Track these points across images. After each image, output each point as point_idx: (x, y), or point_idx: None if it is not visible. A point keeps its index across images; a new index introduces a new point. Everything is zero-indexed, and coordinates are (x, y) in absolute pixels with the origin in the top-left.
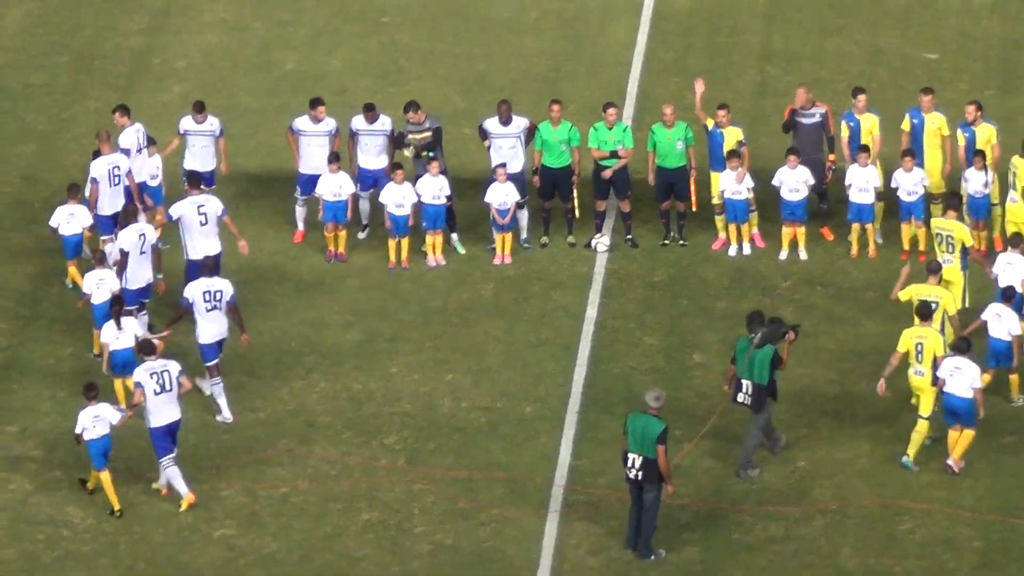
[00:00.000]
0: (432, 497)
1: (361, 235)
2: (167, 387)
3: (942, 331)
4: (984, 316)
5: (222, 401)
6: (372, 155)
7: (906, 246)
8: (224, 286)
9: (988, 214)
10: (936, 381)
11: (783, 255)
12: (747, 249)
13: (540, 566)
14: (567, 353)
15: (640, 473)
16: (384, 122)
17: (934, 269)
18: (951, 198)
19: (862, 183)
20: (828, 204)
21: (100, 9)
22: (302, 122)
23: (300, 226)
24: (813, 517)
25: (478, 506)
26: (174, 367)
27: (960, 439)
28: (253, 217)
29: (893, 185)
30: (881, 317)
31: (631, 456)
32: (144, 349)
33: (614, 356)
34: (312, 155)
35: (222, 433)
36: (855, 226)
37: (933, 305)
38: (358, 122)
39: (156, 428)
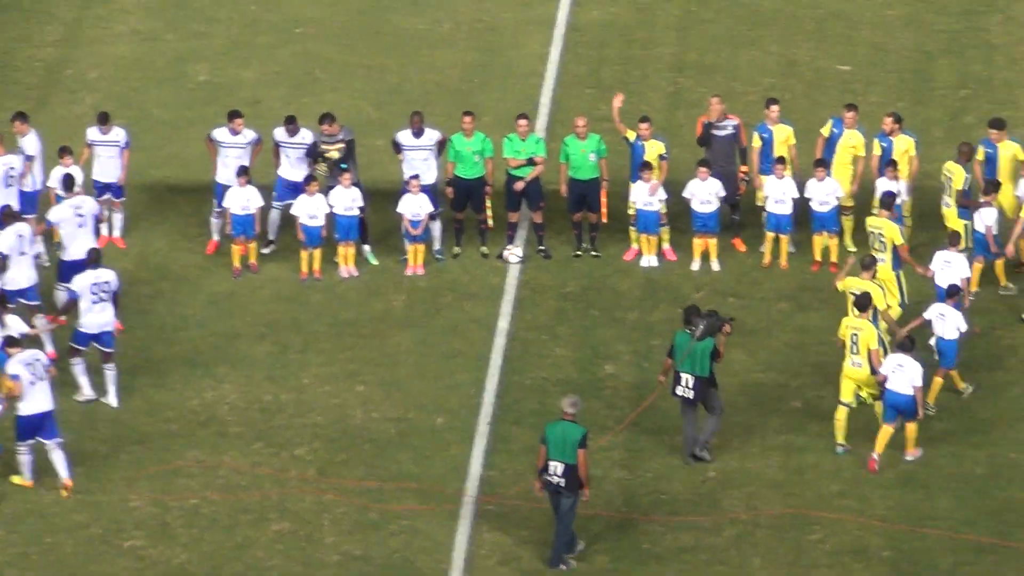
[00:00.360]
0: (342, 508)
1: (265, 251)
2: (40, 376)
3: (874, 320)
4: (927, 315)
5: (112, 388)
6: (293, 166)
7: (818, 257)
8: (110, 276)
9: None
10: (876, 374)
11: (695, 266)
12: (655, 261)
13: None
14: (479, 364)
15: (563, 480)
16: (305, 135)
17: (867, 265)
18: (885, 197)
19: (779, 195)
20: (740, 215)
21: (12, 20)
22: (220, 133)
23: (215, 236)
24: (723, 527)
25: (388, 516)
26: (43, 356)
27: (908, 432)
28: (165, 229)
29: (806, 195)
30: (791, 328)
31: (552, 464)
32: (10, 343)
33: (526, 367)
34: (229, 166)
35: (132, 444)
36: (769, 235)
37: (869, 298)
38: (279, 134)
39: (26, 416)
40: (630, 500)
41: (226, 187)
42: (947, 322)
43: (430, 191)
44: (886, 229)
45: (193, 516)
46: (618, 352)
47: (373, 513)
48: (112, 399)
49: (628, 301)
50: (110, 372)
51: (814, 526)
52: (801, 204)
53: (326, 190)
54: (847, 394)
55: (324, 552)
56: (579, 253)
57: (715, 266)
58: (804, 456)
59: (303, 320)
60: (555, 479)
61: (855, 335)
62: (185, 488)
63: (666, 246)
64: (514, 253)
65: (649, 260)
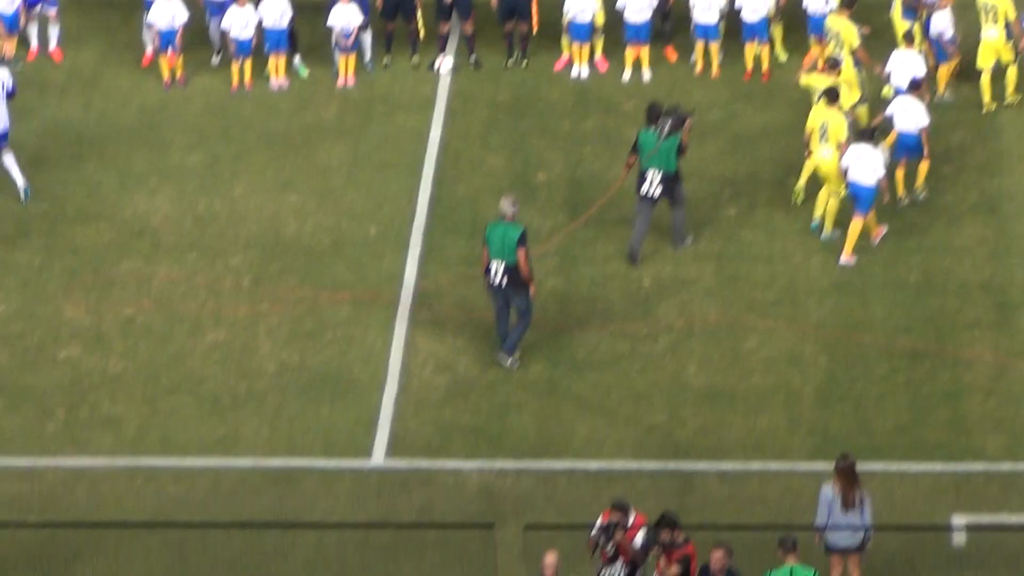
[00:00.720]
0: (277, 318)
1: (215, 59)
2: None
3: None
4: (889, 111)
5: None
6: None
7: (749, 66)
8: (4, 75)
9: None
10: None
11: (626, 76)
12: (586, 71)
13: (386, 385)
14: (411, 174)
15: (504, 279)
16: None
17: (832, 65)
18: None
19: (705, 3)
20: (671, 24)
21: None
22: None
23: (148, 50)
24: (659, 335)
25: (324, 326)
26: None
27: (850, 228)
28: (95, 44)
29: (736, 6)
30: (724, 137)
31: (493, 264)
32: None
33: (459, 177)
34: None
35: (67, 254)
36: (699, 44)
37: (838, 90)
38: None
39: None
40: (564, 310)
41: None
42: (910, 115)
43: (361, 1)
44: (844, 30)
45: (128, 326)
46: (551, 161)
47: (308, 323)
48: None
49: (560, 110)
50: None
51: (749, 333)
52: (733, 14)
53: (256, 1)
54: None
55: (260, 361)
56: (510, 63)
57: (646, 76)
58: (738, 264)
59: (234, 131)
60: (497, 279)
61: (824, 125)
62: (120, 299)
63: (599, 56)
64: (445, 63)
65: (580, 70)
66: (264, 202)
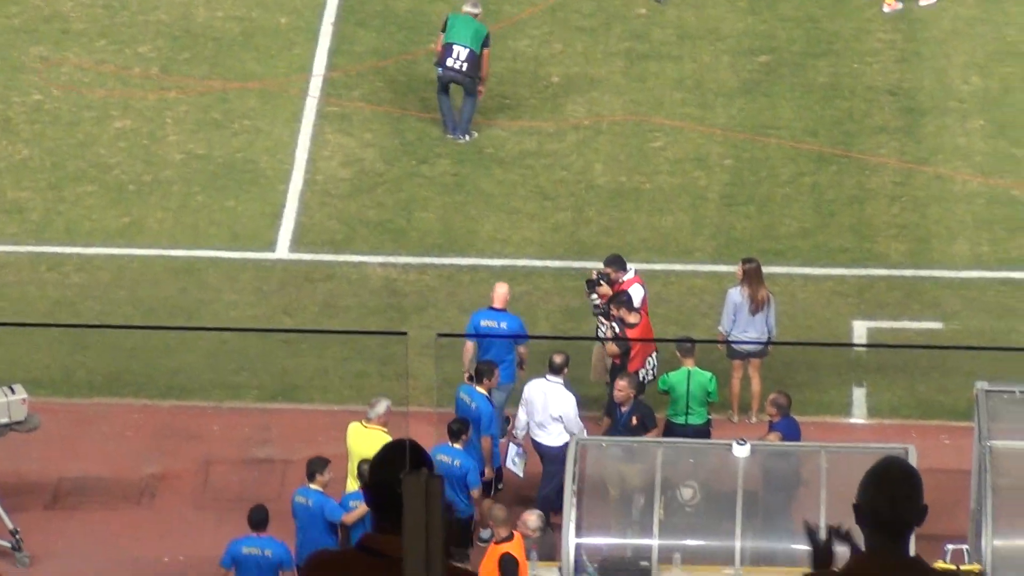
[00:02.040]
0: (185, 106)
1: None
2: None
3: None
4: None
5: None
6: None
7: None
8: None
9: None
10: None
11: None
12: None
13: (292, 177)
14: None
15: (465, 64)
16: None
17: None
18: None
19: None
20: None
21: None
22: None
23: None
24: (566, 132)
25: (231, 116)
26: None
27: None
28: None
29: None
30: None
31: (456, 48)
32: None
33: None
34: None
35: None
36: None
37: None
38: None
39: None
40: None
41: None
42: None
43: None
44: None
45: (36, 112)
46: None
47: (216, 112)
48: None
49: None
50: None
51: (656, 132)
52: None
53: None
54: None
55: (167, 150)
56: None
57: None
58: (646, 63)
59: None
60: (458, 63)
61: None
62: (28, 84)
63: None
64: None
65: None
66: None
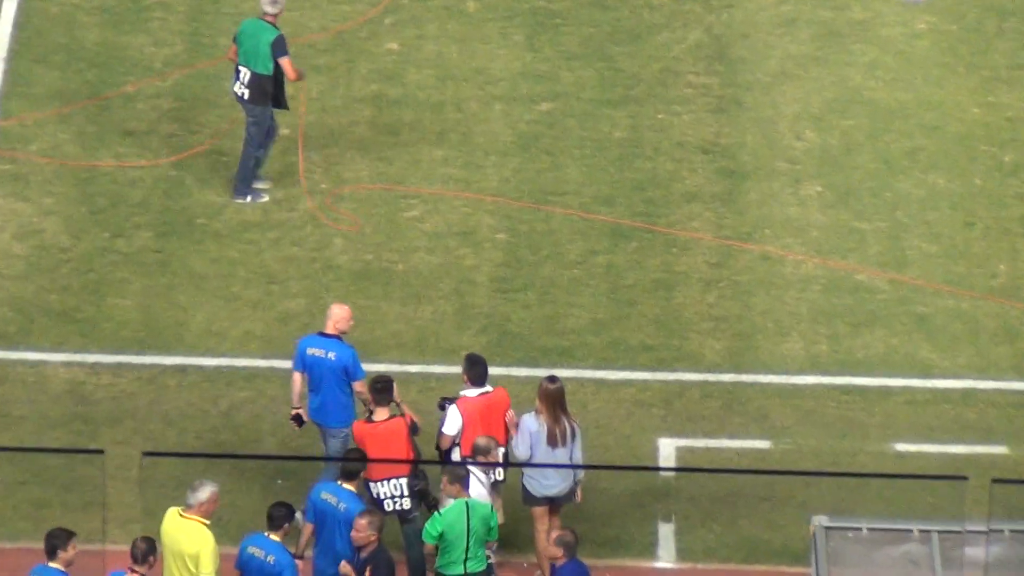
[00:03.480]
0: None
1: None
2: None
3: None
4: None
5: None
6: None
7: None
8: None
9: None
10: None
11: None
12: None
13: None
14: None
15: (247, 91)
16: None
17: None
18: None
19: None
20: None
21: None
22: None
23: None
24: (298, 199)
25: None
26: None
27: None
28: None
29: None
30: None
31: (241, 69)
32: None
33: None
34: None
35: None
36: None
37: None
38: None
39: None
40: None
41: None
42: None
43: None
44: None
45: None
46: None
47: None
48: None
49: None
50: None
51: (411, 200)
52: None
53: None
54: None
55: None
56: None
57: None
58: (399, 111)
59: None
60: (239, 87)
61: None
62: None
63: None
64: None
65: None
66: None
